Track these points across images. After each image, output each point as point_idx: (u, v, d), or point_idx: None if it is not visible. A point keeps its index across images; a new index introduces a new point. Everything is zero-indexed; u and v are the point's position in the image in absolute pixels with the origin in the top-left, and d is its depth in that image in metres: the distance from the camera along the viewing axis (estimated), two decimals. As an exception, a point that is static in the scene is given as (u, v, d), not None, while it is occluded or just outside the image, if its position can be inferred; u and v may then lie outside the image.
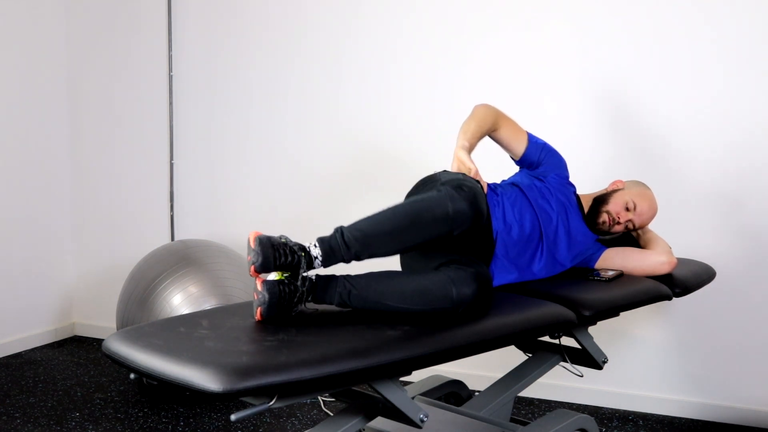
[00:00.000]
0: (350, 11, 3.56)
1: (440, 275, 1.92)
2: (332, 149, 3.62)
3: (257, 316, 1.80)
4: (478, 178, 2.21)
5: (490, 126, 2.38)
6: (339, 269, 2.03)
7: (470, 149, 2.27)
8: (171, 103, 3.91)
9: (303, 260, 1.82)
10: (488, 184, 2.32)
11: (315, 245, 1.87)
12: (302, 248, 1.84)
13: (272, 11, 3.70)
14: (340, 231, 1.90)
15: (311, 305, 1.90)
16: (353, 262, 1.93)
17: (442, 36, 3.41)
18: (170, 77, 3.89)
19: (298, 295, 1.81)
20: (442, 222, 1.89)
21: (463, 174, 2.18)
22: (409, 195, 2.22)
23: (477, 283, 1.92)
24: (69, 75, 4.12)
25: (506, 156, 2.57)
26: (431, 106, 3.44)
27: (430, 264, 2.08)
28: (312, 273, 1.89)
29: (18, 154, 3.88)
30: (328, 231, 1.93)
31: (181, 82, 3.89)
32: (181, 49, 3.88)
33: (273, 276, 1.83)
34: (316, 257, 1.85)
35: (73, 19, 4.09)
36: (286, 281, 1.81)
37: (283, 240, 1.83)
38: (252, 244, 1.80)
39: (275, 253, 1.79)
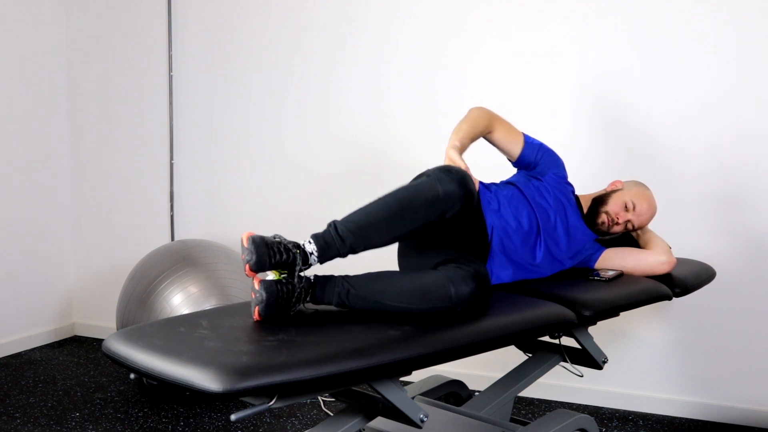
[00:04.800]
0: (350, 11, 3.56)
1: (439, 274, 1.93)
2: (332, 149, 3.63)
3: (255, 316, 1.80)
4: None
5: (484, 128, 2.38)
6: (337, 269, 2.03)
7: (462, 149, 2.26)
8: (171, 103, 3.91)
9: (298, 257, 1.82)
10: (481, 182, 2.31)
11: (309, 241, 1.87)
12: (297, 245, 1.84)
13: (272, 11, 3.70)
14: (333, 225, 1.91)
15: (310, 305, 1.91)
16: (351, 258, 1.93)
17: (442, 36, 3.41)
18: (170, 77, 3.89)
19: (296, 294, 1.82)
20: (433, 204, 1.91)
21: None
22: None
23: (475, 282, 1.92)
24: (69, 75, 4.12)
25: (502, 158, 2.57)
26: (431, 106, 3.44)
27: (427, 263, 2.08)
28: (310, 273, 1.89)
29: (18, 154, 3.88)
30: (327, 230, 1.93)
31: (181, 82, 3.89)
32: (181, 49, 3.88)
33: (270, 276, 1.83)
34: (311, 253, 1.85)
35: (73, 19, 4.09)
36: (284, 281, 1.81)
37: (277, 239, 1.83)
38: (245, 243, 1.80)
39: (269, 251, 1.79)
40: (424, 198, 1.91)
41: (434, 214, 1.92)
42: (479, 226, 2.19)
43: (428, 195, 1.91)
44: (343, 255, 1.90)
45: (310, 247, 1.86)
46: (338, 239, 1.88)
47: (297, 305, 1.84)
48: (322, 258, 1.87)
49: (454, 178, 1.93)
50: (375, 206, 1.94)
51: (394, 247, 2.29)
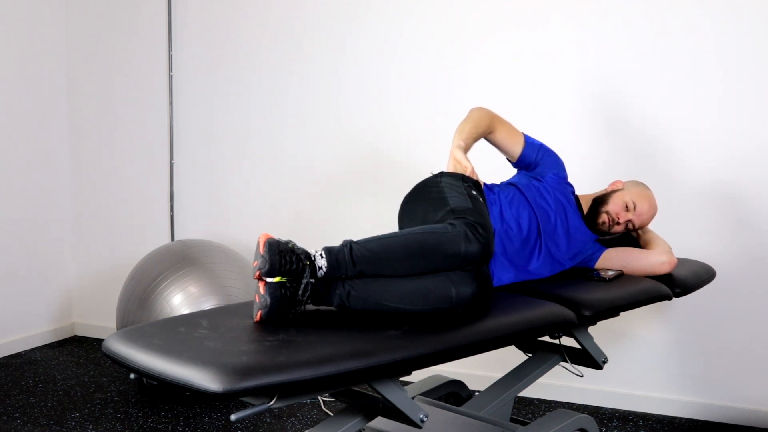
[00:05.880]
0: (350, 11, 3.56)
1: (440, 275, 1.92)
2: (332, 149, 3.62)
3: (257, 318, 1.80)
4: (474, 177, 2.21)
5: (486, 128, 2.38)
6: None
7: (466, 149, 2.28)
8: (171, 103, 3.91)
9: (307, 269, 1.82)
10: (484, 184, 2.32)
11: (321, 255, 1.86)
12: (308, 256, 1.84)
13: (272, 11, 3.70)
14: (349, 246, 1.89)
15: (310, 306, 1.91)
16: None
17: (442, 36, 3.41)
18: (170, 77, 3.89)
19: (298, 298, 1.82)
20: (452, 259, 1.91)
21: (463, 176, 2.18)
22: (407, 200, 2.22)
23: (476, 283, 1.92)
24: (69, 75, 4.12)
25: (504, 159, 2.57)
26: (431, 106, 3.44)
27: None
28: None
29: (18, 154, 3.88)
30: (327, 231, 1.94)
31: (181, 82, 3.89)
32: (181, 49, 3.88)
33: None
34: (320, 267, 1.85)
35: (73, 19, 4.09)
36: (287, 284, 1.81)
37: (290, 246, 1.83)
38: (261, 249, 1.79)
39: (281, 260, 1.79)
40: (444, 250, 1.91)
41: (449, 266, 1.93)
42: None
43: (449, 249, 1.91)
44: (351, 277, 1.90)
45: (321, 262, 1.86)
46: (350, 262, 1.87)
47: (299, 307, 1.84)
48: (330, 274, 1.87)
49: (480, 239, 1.93)
50: (395, 242, 1.93)
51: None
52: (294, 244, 1.84)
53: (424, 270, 1.92)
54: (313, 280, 1.86)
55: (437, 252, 1.91)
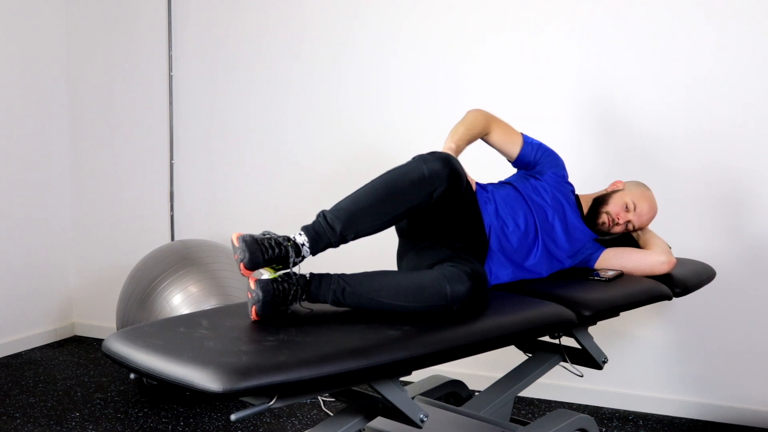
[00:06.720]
0: (350, 11, 3.56)
1: (434, 273, 1.93)
2: (332, 149, 3.62)
3: (252, 315, 1.80)
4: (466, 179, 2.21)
5: (481, 130, 2.37)
6: (334, 269, 2.03)
7: (457, 151, 2.27)
8: (171, 103, 3.91)
9: (291, 249, 1.82)
10: (477, 183, 2.31)
11: (300, 233, 1.88)
12: (287, 239, 1.85)
13: (272, 11, 3.70)
14: (322, 214, 1.91)
15: (306, 304, 1.91)
16: (348, 259, 1.93)
17: (443, 36, 3.41)
18: (170, 77, 3.89)
19: (292, 292, 1.82)
20: (420, 185, 1.92)
21: None
22: None
23: (471, 281, 1.92)
24: (69, 75, 4.12)
25: (501, 159, 2.57)
26: (432, 107, 3.44)
27: (425, 263, 2.08)
28: (306, 271, 1.89)
29: (18, 154, 3.88)
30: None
31: (181, 82, 3.89)
32: (181, 49, 3.88)
33: (266, 275, 1.84)
34: (303, 244, 1.86)
35: (73, 18, 4.09)
36: (279, 279, 1.81)
37: (267, 235, 1.84)
38: (236, 243, 1.80)
39: (261, 247, 1.79)
40: (410, 179, 1.92)
41: (421, 195, 1.92)
42: (477, 226, 2.19)
43: (414, 176, 1.92)
44: (335, 244, 1.89)
45: (301, 239, 1.86)
46: (328, 228, 1.88)
47: (293, 303, 1.84)
48: (314, 248, 1.87)
49: (438, 157, 1.95)
50: (362, 192, 1.95)
51: (392, 247, 2.30)
52: (271, 232, 1.85)
53: (399, 208, 1.92)
54: (307, 276, 1.84)
55: (403, 184, 1.92)
